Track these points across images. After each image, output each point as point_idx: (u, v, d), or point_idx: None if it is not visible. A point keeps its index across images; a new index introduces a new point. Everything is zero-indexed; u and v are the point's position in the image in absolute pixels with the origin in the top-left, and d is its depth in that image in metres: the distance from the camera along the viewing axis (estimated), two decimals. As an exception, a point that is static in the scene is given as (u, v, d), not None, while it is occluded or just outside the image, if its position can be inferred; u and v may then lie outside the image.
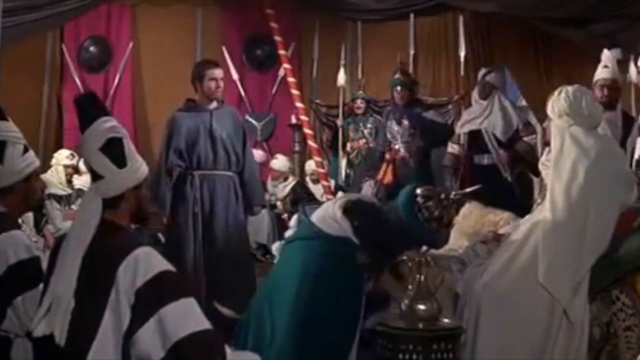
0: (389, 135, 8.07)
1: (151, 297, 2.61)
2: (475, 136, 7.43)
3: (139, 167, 2.82)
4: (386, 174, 7.97)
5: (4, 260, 3.04)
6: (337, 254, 3.53)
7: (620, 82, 5.68)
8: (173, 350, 2.58)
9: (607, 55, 5.65)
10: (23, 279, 3.01)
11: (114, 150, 2.75)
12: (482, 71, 7.77)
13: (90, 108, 2.81)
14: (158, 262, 2.68)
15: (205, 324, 2.65)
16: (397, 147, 7.96)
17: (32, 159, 3.29)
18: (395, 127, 8.04)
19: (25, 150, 3.28)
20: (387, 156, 7.99)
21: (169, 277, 2.68)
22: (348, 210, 3.59)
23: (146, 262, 2.64)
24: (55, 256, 2.74)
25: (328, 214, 3.63)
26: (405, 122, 7.97)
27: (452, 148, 7.60)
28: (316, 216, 3.68)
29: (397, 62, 8.56)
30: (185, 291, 2.70)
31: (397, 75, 8.20)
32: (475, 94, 7.64)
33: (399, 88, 8.05)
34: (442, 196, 3.66)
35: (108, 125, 2.77)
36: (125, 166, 2.77)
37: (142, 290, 2.60)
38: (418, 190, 3.65)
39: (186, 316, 2.63)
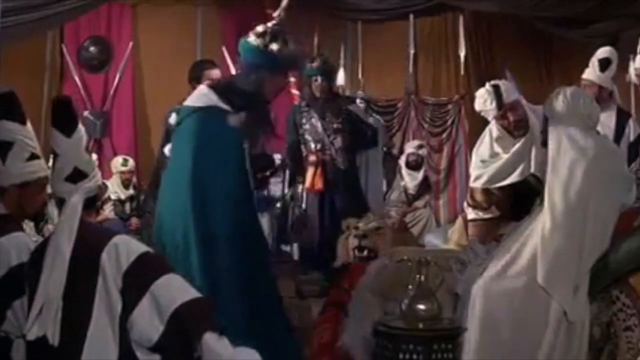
0: (308, 136, 6.78)
1: (140, 276, 2.70)
2: None
3: None
4: (315, 179, 6.73)
5: (6, 262, 3.03)
6: (212, 118, 4.15)
7: (605, 82, 5.53)
8: (171, 320, 2.64)
9: (595, 55, 5.60)
10: (23, 282, 3.00)
11: (87, 149, 2.98)
12: None
13: (73, 111, 2.95)
14: (137, 246, 2.81)
15: (196, 293, 2.74)
16: (319, 146, 6.75)
17: (37, 168, 3.25)
18: (319, 123, 6.78)
19: (33, 157, 3.27)
20: (312, 158, 6.72)
21: (152, 256, 2.81)
22: (212, 85, 4.34)
23: (126, 247, 2.75)
24: (40, 260, 2.77)
25: (194, 94, 4.33)
26: (329, 117, 6.76)
27: None
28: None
29: (314, 50, 7.48)
30: (169, 267, 2.83)
31: (315, 64, 6.82)
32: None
33: (319, 79, 6.75)
34: (270, 24, 4.27)
35: (82, 127, 2.95)
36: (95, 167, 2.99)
37: (130, 272, 2.69)
38: (251, 38, 4.24)
39: (177, 287, 2.72)
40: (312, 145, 6.75)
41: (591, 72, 5.47)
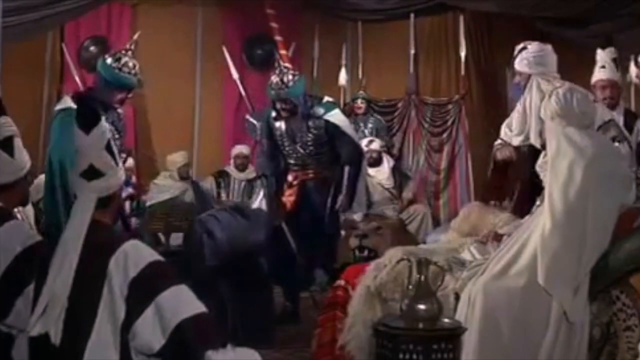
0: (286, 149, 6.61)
1: (146, 287, 2.66)
2: None
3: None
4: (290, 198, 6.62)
5: (11, 251, 3.03)
6: (66, 117, 4.86)
7: (620, 81, 5.58)
8: (174, 335, 2.62)
9: (602, 55, 5.60)
10: (33, 265, 3.00)
11: (111, 149, 2.83)
12: None
13: (95, 108, 2.88)
14: (147, 253, 2.75)
15: (201, 307, 2.71)
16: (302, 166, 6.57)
17: (26, 153, 3.32)
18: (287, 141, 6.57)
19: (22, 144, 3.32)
20: (290, 177, 6.62)
21: (160, 266, 2.75)
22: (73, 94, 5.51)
23: (135, 254, 2.70)
24: (48, 258, 2.75)
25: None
26: (293, 135, 6.51)
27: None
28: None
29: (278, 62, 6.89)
30: (176, 278, 2.77)
31: (272, 91, 6.47)
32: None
33: (278, 105, 6.49)
34: (123, 51, 5.29)
35: (105, 124, 2.85)
36: (118, 165, 2.87)
37: (136, 282, 2.65)
38: (109, 59, 5.28)
39: (182, 301, 2.68)
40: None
41: (608, 72, 5.45)
